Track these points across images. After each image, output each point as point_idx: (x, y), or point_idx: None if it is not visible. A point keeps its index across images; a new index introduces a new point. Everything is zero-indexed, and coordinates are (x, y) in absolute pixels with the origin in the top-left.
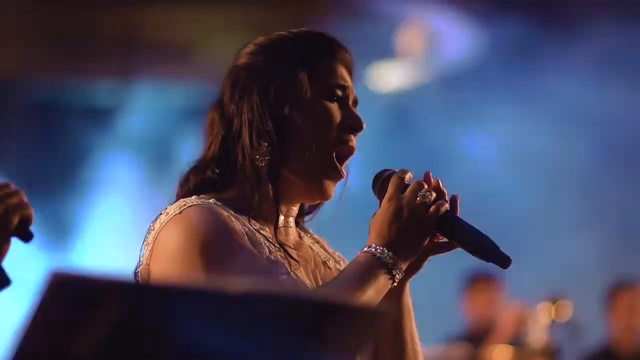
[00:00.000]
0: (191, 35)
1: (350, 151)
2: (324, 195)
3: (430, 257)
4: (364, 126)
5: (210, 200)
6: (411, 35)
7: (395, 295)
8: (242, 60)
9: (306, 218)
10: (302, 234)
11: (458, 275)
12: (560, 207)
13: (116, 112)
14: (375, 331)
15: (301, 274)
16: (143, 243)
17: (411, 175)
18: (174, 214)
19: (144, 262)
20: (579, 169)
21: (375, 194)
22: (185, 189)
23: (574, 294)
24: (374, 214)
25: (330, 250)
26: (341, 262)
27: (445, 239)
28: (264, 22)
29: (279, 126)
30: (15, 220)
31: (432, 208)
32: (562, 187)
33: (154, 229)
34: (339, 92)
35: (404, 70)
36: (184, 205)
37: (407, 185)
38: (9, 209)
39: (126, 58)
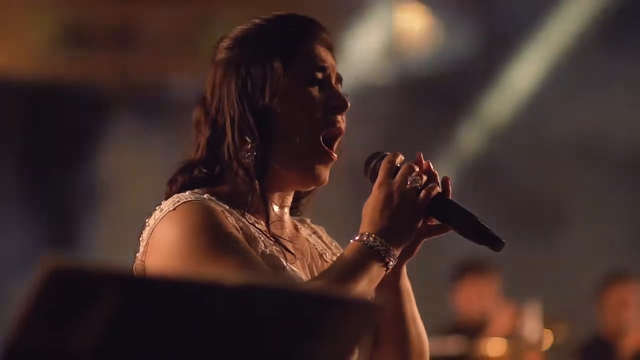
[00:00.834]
0: None
1: (338, 132)
2: (317, 181)
3: (425, 240)
4: (348, 104)
5: (204, 196)
6: None
7: (393, 280)
8: (220, 56)
9: (305, 216)
10: (299, 225)
11: (449, 266)
12: None
13: None
14: (373, 325)
15: (297, 267)
16: (139, 239)
17: (402, 158)
18: (167, 210)
19: (139, 258)
20: None
21: (367, 178)
22: (174, 189)
23: None
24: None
25: (327, 240)
26: (338, 254)
27: (438, 222)
28: None
29: (260, 120)
30: None
31: (423, 192)
32: None
33: (148, 225)
34: (319, 75)
35: None
36: (178, 201)
37: (398, 169)
38: None
39: None
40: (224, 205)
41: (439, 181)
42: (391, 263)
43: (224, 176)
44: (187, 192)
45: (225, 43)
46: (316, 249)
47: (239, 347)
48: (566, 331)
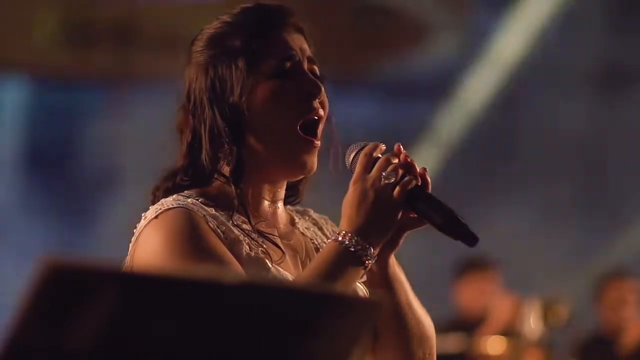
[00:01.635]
0: None
1: (316, 117)
2: (305, 170)
3: (408, 232)
4: (322, 88)
5: (189, 200)
6: None
7: (380, 271)
8: (191, 59)
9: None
10: (297, 218)
11: (451, 263)
12: None
13: None
14: (373, 323)
15: (287, 266)
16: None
17: (383, 148)
18: (150, 218)
19: (128, 263)
20: None
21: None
22: (158, 196)
23: None
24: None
25: (329, 232)
26: None
27: None
28: None
29: (232, 122)
30: None
31: (397, 188)
32: None
33: (136, 232)
34: (287, 64)
35: None
36: (160, 208)
37: (375, 162)
38: None
39: None
40: (208, 209)
41: (417, 173)
42: (369, 261)
43: (207, 179)
44: (170, 198)
45: (195, 45)
46: (313, 242)
47: (238, 344)
48: (565, 313)
